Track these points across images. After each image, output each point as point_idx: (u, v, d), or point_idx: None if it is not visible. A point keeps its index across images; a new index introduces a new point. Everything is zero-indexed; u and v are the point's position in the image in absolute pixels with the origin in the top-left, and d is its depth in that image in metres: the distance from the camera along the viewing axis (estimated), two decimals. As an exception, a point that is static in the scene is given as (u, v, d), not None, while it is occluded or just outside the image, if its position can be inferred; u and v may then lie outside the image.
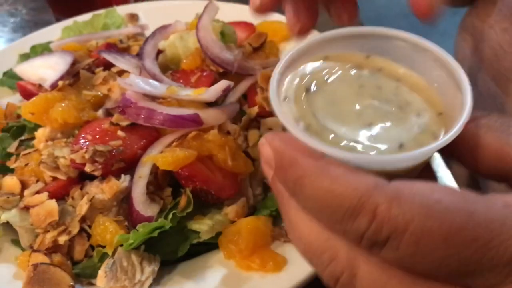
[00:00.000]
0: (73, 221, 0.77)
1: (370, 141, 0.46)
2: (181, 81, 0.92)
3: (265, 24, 1.08)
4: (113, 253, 0.72)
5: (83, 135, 0.82)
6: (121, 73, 0.97)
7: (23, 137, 0.94)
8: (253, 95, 0.91)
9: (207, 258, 0.75)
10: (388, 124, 0.47)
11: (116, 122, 0.82)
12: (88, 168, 0.77)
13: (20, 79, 1.03)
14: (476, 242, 0.36)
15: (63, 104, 0.87)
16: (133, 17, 1.24)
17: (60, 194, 0.80)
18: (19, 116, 0.98)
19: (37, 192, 0.79)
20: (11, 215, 0.78)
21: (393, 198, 0.37)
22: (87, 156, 0.77)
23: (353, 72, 0.53)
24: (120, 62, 0.97)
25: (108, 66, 0.99)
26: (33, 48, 1.14)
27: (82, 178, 0.82)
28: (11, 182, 0.83)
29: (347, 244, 0.41)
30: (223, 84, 0.85)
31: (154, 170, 0.79)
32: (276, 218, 0.78)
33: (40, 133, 0.89)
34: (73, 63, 0.99)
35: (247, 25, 1.10)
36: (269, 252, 0.73)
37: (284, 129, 0.45)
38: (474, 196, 0.38)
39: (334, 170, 0.40)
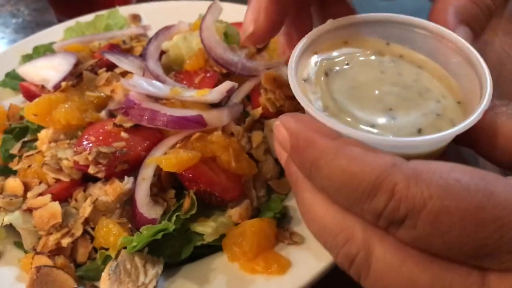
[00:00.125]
0: (76, 223, 0.76)
1: (389, 125, 0.46)
2: (185, 82, 0.92)
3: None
4: (117, 256, 0.72)
5: (86, 137, 0.82)
6: (124, 74, 0.96)
7: (26, 139, 0.93)
8: (256, 96, 0.90)
9: (211, 260, 0.75)
10: (407, 109, 0.47)
11: (120, 124, 0.82)
12: (91, 170, 0.77)
13: (23, 80, 1.03)
14: (495, 222, 0.35)
15: (66, 105, 0.86)
16: (136, 18, 1.24)
17: (63, 196, 0.80)
18: (22, 117, 0.97)
19: (40, 194, 0.79)
20: (14, 217, 0.77)
21: (411, 177, 0.37)
22: (90, 157, 0.76)
23: (373, 58, 0.53)
24: (123, 63, 0.96)
25: (111, 67, 0.98)
26: (36, 49, 1.14)
27: (85, 180, 0.81)
28: (14, 184, 0.82)
29: (363, 224, 0.41)
30: (227, 85, 0.84)
31: (158, 171, 0.79)
32: (280, 220, 0.78)
33: (43, 135, 0.89)
34: (76, 64, 0.99)
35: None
36: (273, 254, 0.73)
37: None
38: (494, 177, 0.38)
39: (351, 150, 0.40)
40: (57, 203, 0.77)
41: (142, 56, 0.97)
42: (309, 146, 0.42)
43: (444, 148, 0.48)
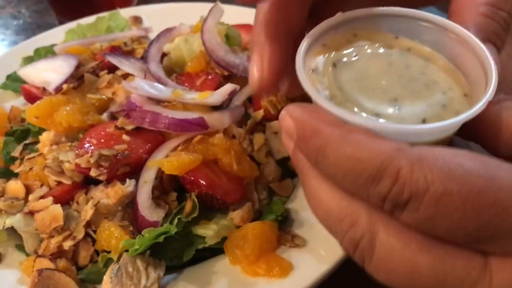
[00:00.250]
0: (78, 226, 0.76)
1: (394, 115, 0.47)
2: (186, 84, 0.92)
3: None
4: (118, 259, 0.72)
5: (88, 139, 0.82)
6: (125, 76, 0.96)
7: (27, 141, 0.93)
8: (258, 98, 0.90)
9: (212, 263, 0.74)
10: (412, 100, 0.48)
11: (121, 126, 0.82)
12: (93, 173, 0.77)
13: (24, 82, 1.03)
14: (496, 206, 0.36)
15: (68, 108, 0.86)
16: (137, 20, 1.24)
17: (64, 199, 0.79)
18: (23, 119, 0.97)
19: (42, 197, 0.79)
20: (16, 220, 0.77)
21: (415, 162, 0.38)
22: (92, 160, 0.76)
23: (382, 50, 0.54)
24: (124, 65, 0.96)
25: (112, 69, 0.98)
26: (37, 51, 1.14)
27: (87, 182, 0.81)
28: (15, 186, 0.82)
29: (368, 209, 0.42)
30: (229, 87, 0.84)
31: (159, 174, 0.79)
32: (282, 222, 0.78)
33: (45, 137, 0.88)
34: (77, 66, 0.99)
35: (252, 28, 1.09)
36: (275, 257, 0.73)
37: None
38: (496, 162, 0.38)
39: (356, 136, 0.41)
40: (58, 205, 0.77)
41: (144, 58, 0.97)
42: (315, 135, 0.43)
43: (448, 138, 0.48)
